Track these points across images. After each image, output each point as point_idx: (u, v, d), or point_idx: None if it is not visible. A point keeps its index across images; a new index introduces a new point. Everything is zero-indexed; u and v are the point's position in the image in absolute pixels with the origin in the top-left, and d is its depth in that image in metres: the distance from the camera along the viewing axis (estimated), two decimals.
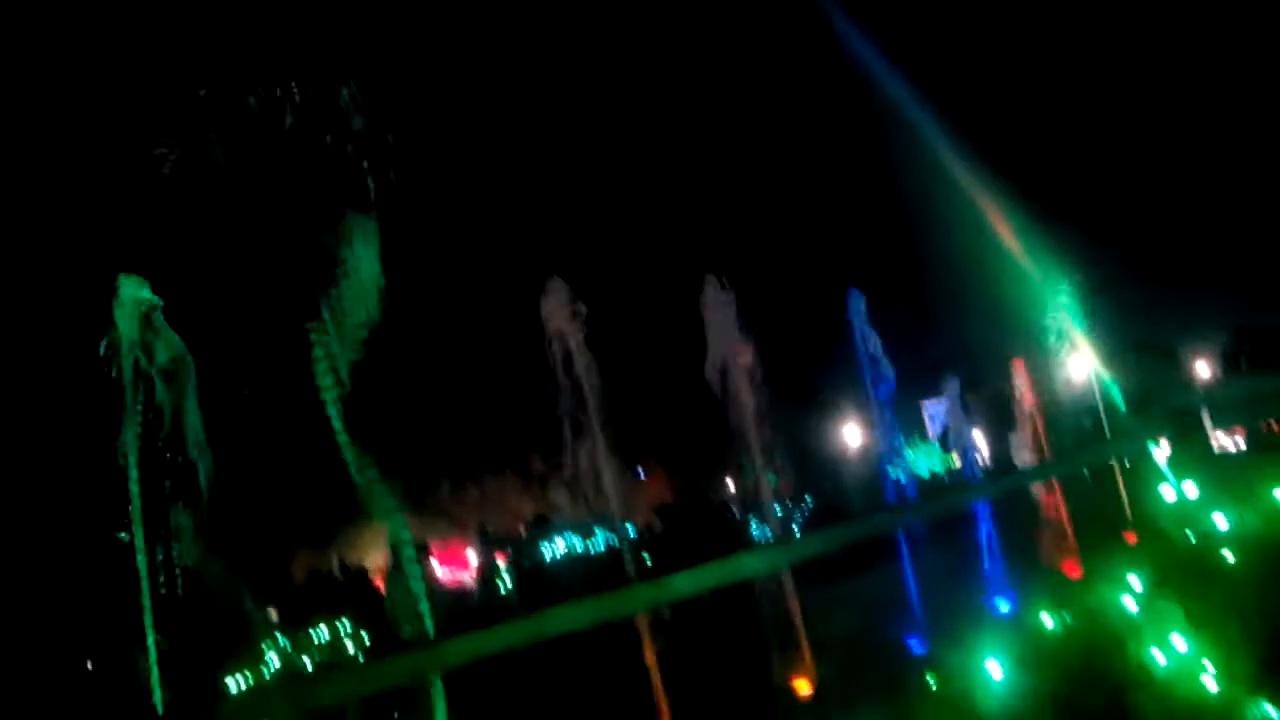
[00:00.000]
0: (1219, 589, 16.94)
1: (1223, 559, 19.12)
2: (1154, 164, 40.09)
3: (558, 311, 15.53)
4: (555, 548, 47.59)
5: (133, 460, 10.73)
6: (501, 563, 47.56)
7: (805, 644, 16.48)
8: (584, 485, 16.48)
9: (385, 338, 13.00)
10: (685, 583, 14.27)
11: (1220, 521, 20.75)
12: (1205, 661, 14.09)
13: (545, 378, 15.75)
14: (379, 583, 39.65)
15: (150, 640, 10.61)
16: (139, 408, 10.95)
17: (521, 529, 50.18)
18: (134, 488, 10.74)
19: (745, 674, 16.99)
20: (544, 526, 49.02)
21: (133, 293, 11.10)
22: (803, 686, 16.31)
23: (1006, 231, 33.90)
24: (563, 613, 14.13)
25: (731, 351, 17.54)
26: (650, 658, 14.73)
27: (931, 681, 15.66)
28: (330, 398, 12.38)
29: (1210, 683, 13.78)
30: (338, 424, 12.42)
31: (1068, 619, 18.01)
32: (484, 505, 51.28)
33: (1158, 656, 14.84)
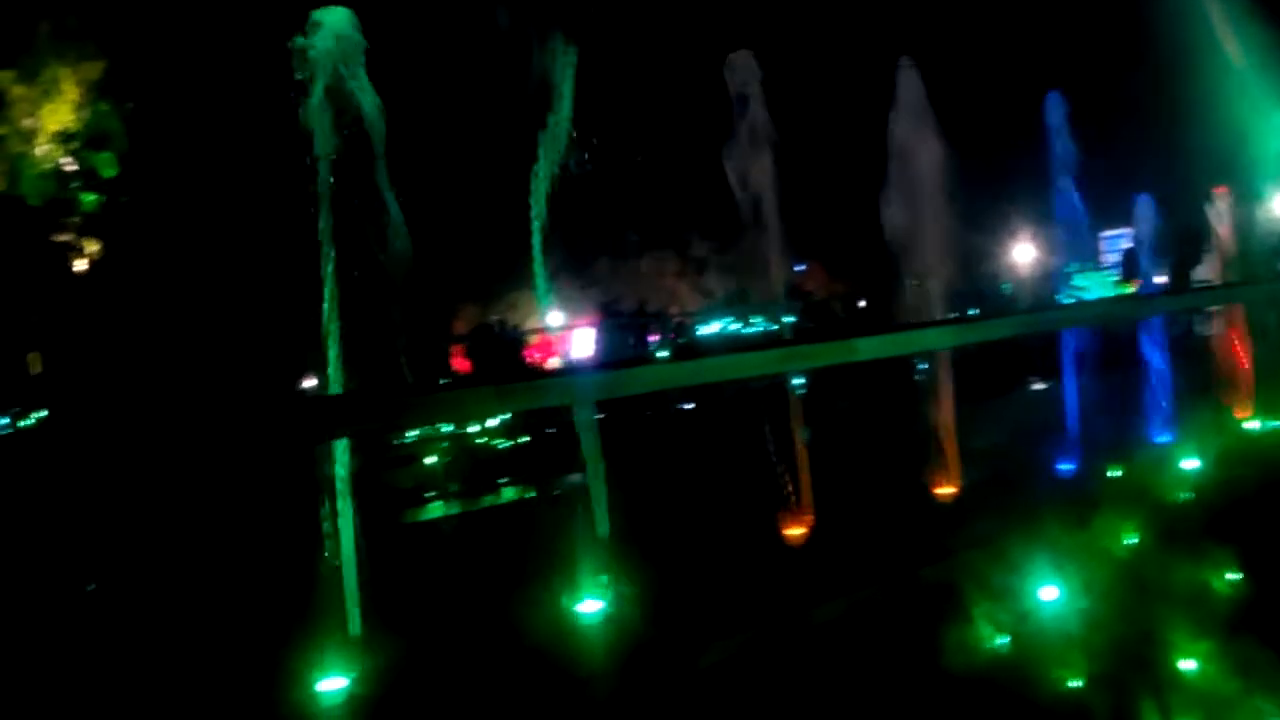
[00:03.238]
0: None
1: None
2: None
3: (747, 85, 15.21)
4: (712, 329, 48.29)
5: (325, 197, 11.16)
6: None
7: (953, 453, 16.57)
8: (748, 271, 16.52)
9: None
10: (869, 346, 14.19)
11: None
12: None
13: (719, 161, 15.60)
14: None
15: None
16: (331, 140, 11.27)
17: (677, 309, 50.95)
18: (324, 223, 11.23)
19: (888, 471, 17.22)
20: (702, 308, 49.66)
21: (335, 25, 11.23)
22: (945, 491, 16.48)
23: (1231, 48, 30.95)
24: (748, 358, 14.20)
25: (915, 144, 16.91)
26: (800, 449, 15.12)
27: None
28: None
29: None
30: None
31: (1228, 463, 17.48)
32: (641, 283, 52.11)
33: None
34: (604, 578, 13.01)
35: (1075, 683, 10.35)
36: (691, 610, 12.28)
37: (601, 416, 15.08)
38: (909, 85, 16.94)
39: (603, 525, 13.54)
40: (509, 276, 40.61)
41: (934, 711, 9.93)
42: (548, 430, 22.47)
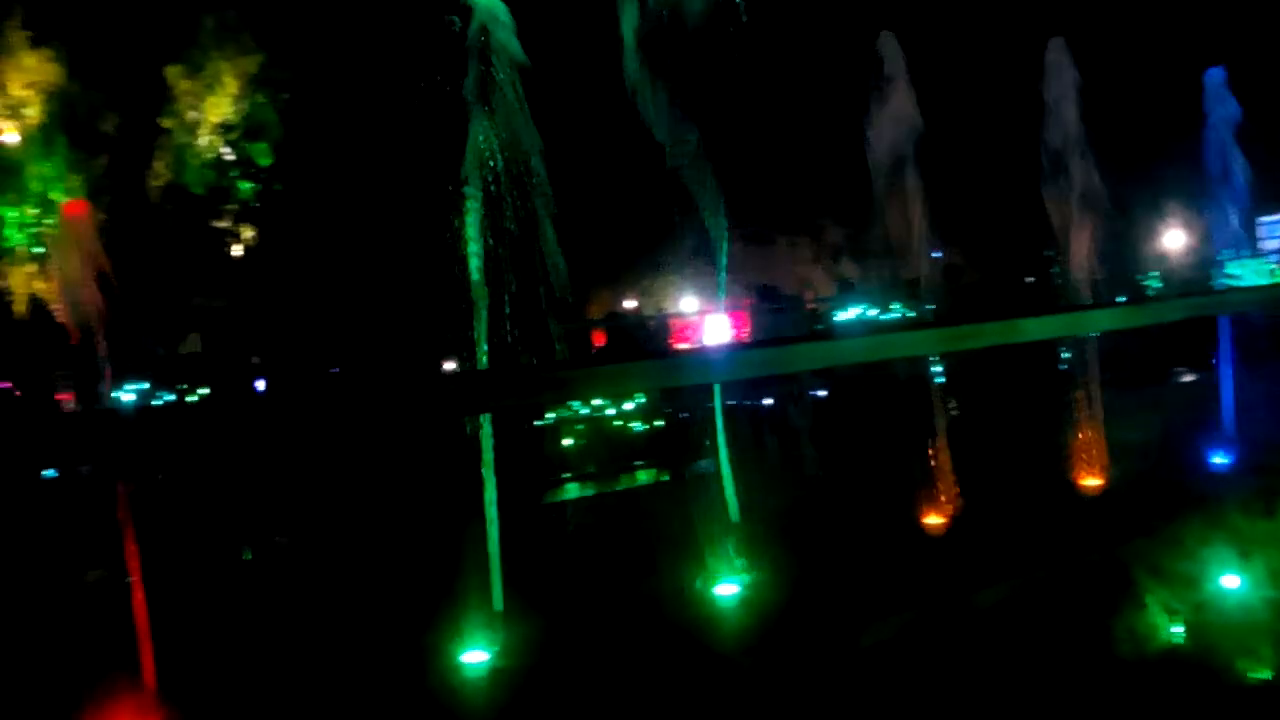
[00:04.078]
0: None
1: None
2: None
3: (892, 67, 15.02)
4: (848, 315, 47.57)
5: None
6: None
7: (1102, 443, 16.06)
8: (885, 258, 16.29)
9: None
10: (1034, 327, 13.91)
11: None
12: None
13: (859, 144, 15.41)
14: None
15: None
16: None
17: (810, 294, 50.37)
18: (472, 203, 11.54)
19: (1038, 458, 16.75)
20: (839, 293, 48.99)
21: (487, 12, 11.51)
22: (1090, 483, 15.99)
23: None
24: (907, 337, 14.07)
25: (1067, 128, 16.41)
26: (943, 435, 14.88)
27: None
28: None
29: None
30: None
31: None
32: (773, 268, 51.71)
33: None
34: (741, 561, 13.07)
35: (1261, 674, 9.94)
36: (836, 593, 12.22)
37: (733, 404, 15.10)
38: (1059, 66, 16.43)
39: (738, 509, 13.61)
40: (642, 261, 40.78)
41: (1108, 697, 9.65)
42: (681, 415, 22.60)
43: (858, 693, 10.14)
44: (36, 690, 10.30)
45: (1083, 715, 9.53)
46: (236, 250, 35.54)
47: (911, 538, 14.24)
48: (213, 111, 33.88)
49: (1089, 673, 9.95)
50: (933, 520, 14.72)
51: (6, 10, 30.66)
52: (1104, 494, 15.73)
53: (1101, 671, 10.00)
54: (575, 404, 23.14)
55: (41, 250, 33.01)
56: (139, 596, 10.47)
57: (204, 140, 34.06)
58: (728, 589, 12.88)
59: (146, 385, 29.10)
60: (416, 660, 11.31)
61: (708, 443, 14.40)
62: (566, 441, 22.14)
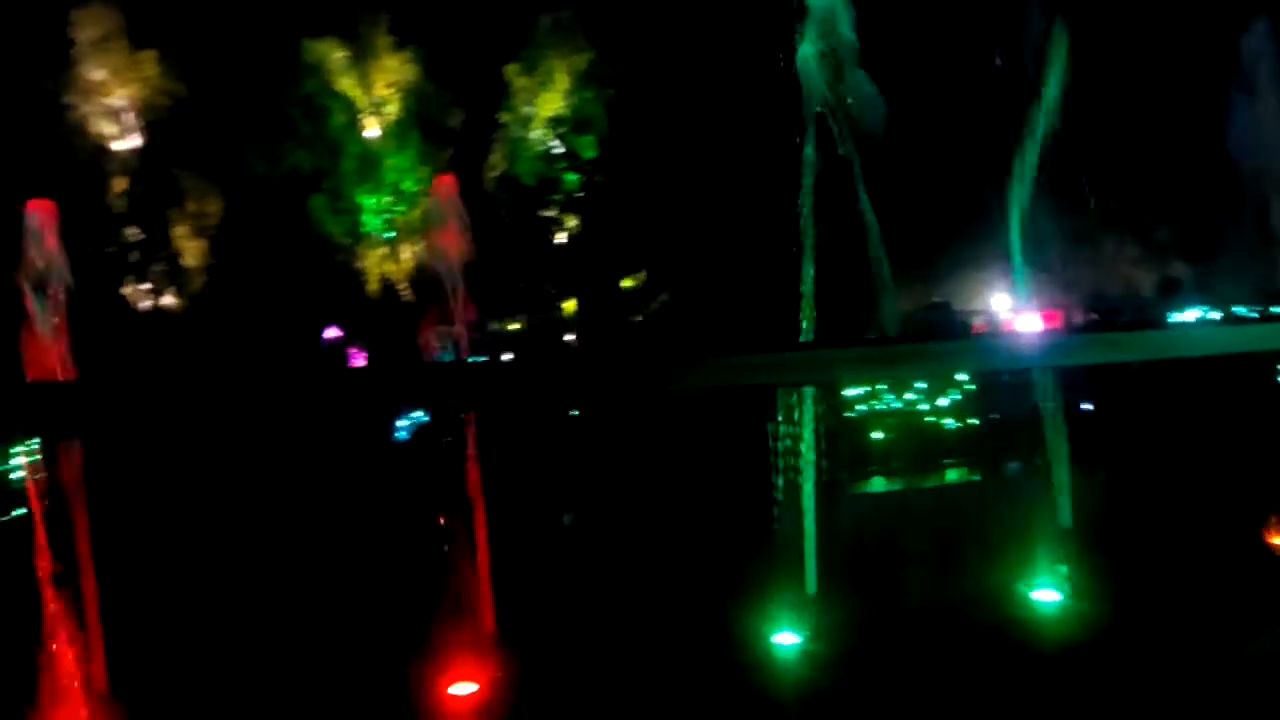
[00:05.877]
0: None
1: None
2: None
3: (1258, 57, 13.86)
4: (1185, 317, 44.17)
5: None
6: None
7: None
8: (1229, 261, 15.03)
9: None
10: None
11: None
12: None
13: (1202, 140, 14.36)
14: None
15: None
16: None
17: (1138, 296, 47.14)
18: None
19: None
20: (1169, 296, 45.58)
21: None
22: None
23: None
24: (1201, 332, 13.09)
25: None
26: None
27: None
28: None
29: None
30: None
31: None
32: (1096, 271, 48.77)
33: None
34: (1062, 568, 12.58)
35: None
36: (1175, 606, 11.49)
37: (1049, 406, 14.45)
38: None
39: (1064, 514, 13.09)
40: (955, 255, 39.59)
41: None
42: (992, 415, 21.90)
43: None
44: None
45: None
46: (560, 238, 37.65)
47: (1260, 555, 13.13)
48: (545, 107, 36.09)
49: None
50: None
51: (375, 18, 34.05)
52: None
53: None
54: (888, 397, 22.94)
55: (393, 235, 36.44)
56: (482, 550, 11.43)
57: (536, 134, 36.35)
58: (1048, 594, 12.45)
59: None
60: (729, 638, 11.62)
61: (1022, 444, 13.93)
62: (875, 435, 22.00)
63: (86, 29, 33.17)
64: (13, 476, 16.62)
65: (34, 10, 31.17)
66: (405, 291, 36.41)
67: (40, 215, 8.89)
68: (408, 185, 35.73)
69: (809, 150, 11.62)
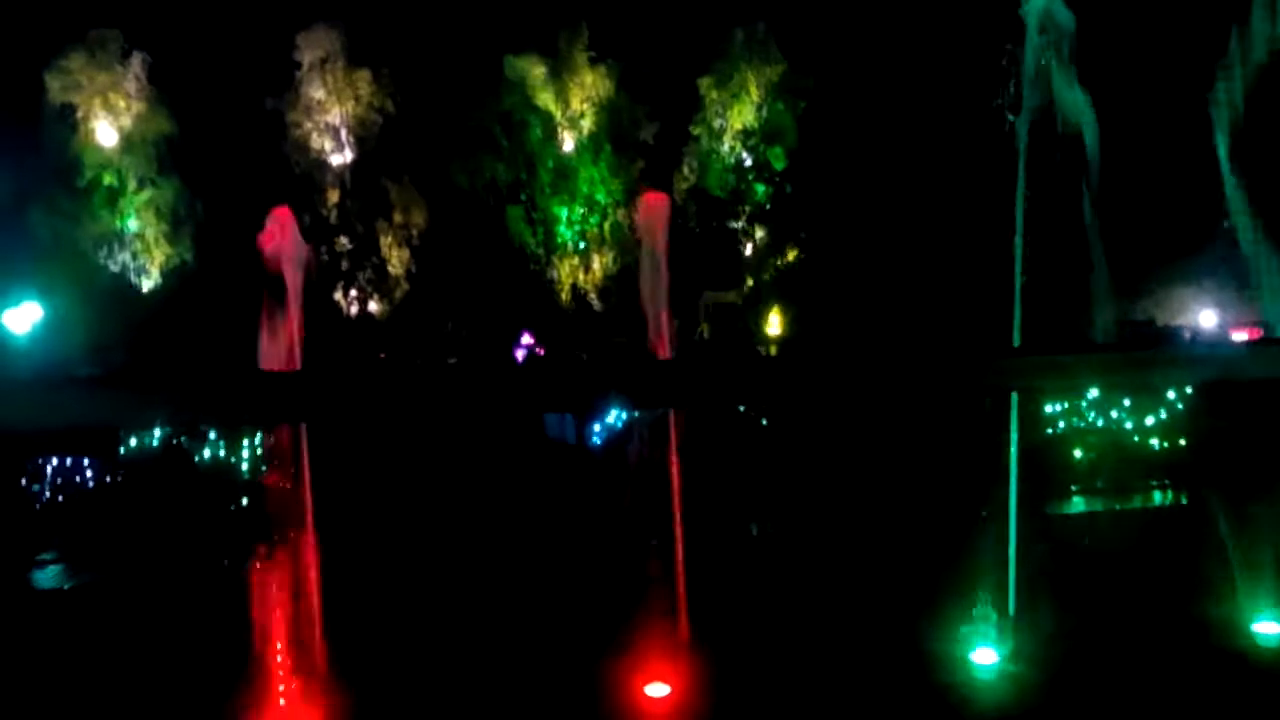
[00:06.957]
0: None
1: None
2: None
3: None
4: None
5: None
6: None
7: None
8: None
9: None
10: None
11: None
12: None
13: None
14: None
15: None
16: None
17: None
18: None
19: None
20: None
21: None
22: None
23: None
24: None
25: None
26: None
27: None
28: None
29: None
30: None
31: None
32: None
33: None
34: None
35: None
36: None
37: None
38: None
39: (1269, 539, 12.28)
40: (1161, 269, 37.76)
41: None
42: (1208, 433, 20.68)
43: None
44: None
45: None
46: (746, 250, 37.82)
47: None
48: (736, 119, 36.36)
49: None
50: None
51: (574, 34, 35.07)
52: None
53: None
54: (1091, 414, 22.02)
55: (584, 246, 37.43)
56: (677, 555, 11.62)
57: (726, 145, 36.65)
58: (1270, 627, 11.69)
59: None
60: (922, 652, 11.45)
61: (1240, 465, 13.14)
62: (1076, 453, 21.13)
63: (309, 51, 35.47)
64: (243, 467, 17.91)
65: (263, 34, 33.58)
66: (596, 302, 37.33)
67: (282, 220, 9.59)
68: (600, 196, 36.62)
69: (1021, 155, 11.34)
